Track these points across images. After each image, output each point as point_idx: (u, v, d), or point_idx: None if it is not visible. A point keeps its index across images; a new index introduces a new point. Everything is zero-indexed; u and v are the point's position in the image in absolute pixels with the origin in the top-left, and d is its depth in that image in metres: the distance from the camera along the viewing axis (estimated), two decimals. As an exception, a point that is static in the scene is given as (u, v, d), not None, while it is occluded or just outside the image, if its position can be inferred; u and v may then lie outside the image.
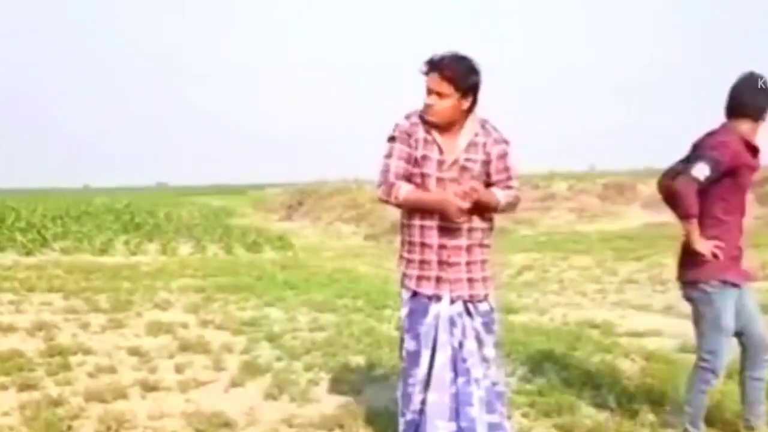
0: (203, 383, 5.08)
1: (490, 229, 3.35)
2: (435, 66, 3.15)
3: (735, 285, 3.72)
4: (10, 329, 6.80)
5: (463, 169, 3.22)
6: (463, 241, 3.24)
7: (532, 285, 10.85)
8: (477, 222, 3.25)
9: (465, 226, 3.22)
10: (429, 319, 3.25)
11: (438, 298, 3.26)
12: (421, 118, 3.24)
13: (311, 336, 6.66)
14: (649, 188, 25.71)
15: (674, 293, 9.10)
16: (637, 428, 3.94)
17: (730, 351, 3.83)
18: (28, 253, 15.47)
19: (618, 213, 23.75)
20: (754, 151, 3.71)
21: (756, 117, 3.67)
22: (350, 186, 32.59)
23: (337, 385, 5.02)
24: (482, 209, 3.23)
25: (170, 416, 4.32)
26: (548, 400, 4.43)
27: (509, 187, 3.28)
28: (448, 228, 3.21)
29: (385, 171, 3.26)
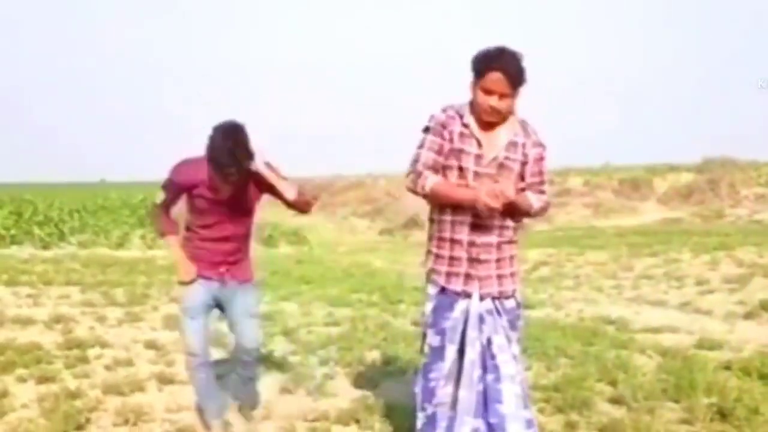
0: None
1: (521, 226, 3.34)
2: (499, 65, 3.04)
3: None
4: (28, 322, 6.86)
5: (502, 167, 3.17)
6: (493, 238, 3.20)
7: (548, 280, 10.83)
8: (508, 219, 3.22)
9: (497, 223, 3.18)
10: (456, 314, 3.22)
11: (467, 295, 3.22)
12: (459, 113, 3.19)
13: (326, 330, 6.68)
14: (666, 183, 25.59)
15: (690, 289, 9.09)
16: (654, 424, 3.92)
17: None
18: (45, 247, 15.60)
19: (634, 208, 23.63)
20: None
21: None
22: (365, 181, 32.60)
23: (352, 380, 5.03)
24: (515, 212, 3.20)
25: (187, 409, 4.34)
26: (564, 395, 4.42)
27: (542, 192, 3.25)
28: (479, 224, 3.17)
29: (415, 161, 3.21)
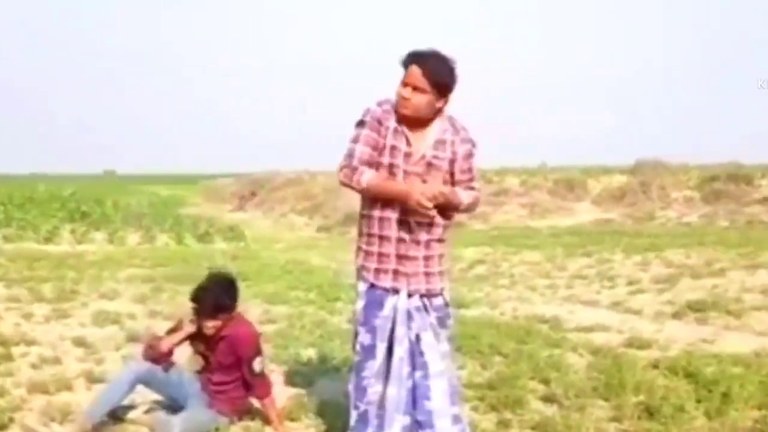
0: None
1: (450, 224, 3.36)
2: (419, 60, 3.12)
3: None
4: (-52, 318, 6.59)
5: (430, 165, 3.20)
6: (422, 236, 3.23)
7: (484, 279, 10.94)
8: (438, 218, 3.25)
9: (426, 220, 3.21)
10: (385, 312, 3.24)
11: (395, 291, 3.25)
12: (394, 107, 3.21)
13: (262, 328, 6.59)
14: (600, 185, 26.21)
15: (621, 289, 9.32)
16: (584, 422, 3.99)
17: None
18: (-32, 241, 15.00)
19: (568, 209, 24.10)
20: None
21: None
22: (303, 177, 32.43)
23: (287, 378, 4.99)
24: (445, 208, 3.23)
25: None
26: (497, 394, 4.47)
27: (471, 188, 3.31)
28: (407, 222, 3.20)
29: (350, 155, 3.20)
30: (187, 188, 52.94)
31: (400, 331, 3.23)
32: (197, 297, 4.03)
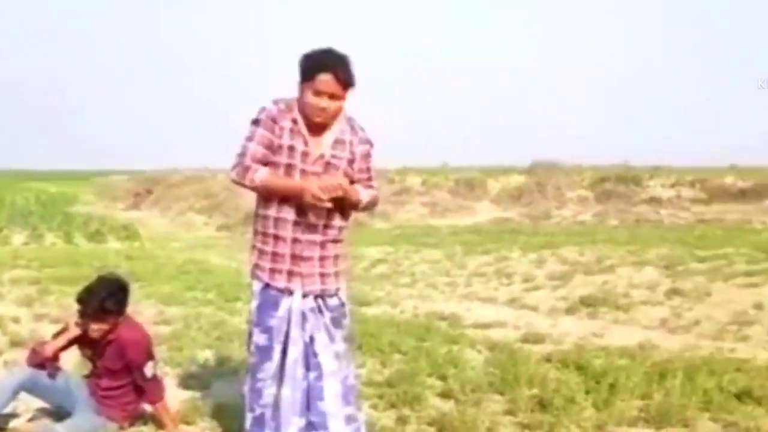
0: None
1: (346, 225, 3.33)
2: (329, 67, 3.06)
3: None
4: None
5: (329, 165, 3.18)
6: (317, 237, 3.20)
7: (385, 278, 11.01)
8: (334, 219, 3.22)
9: (321, 221, 3.18)
10: (280, 313, 3.19)
11: (290, 292, 3.20)
12: (289, 107, 3.16)
13: (156, 329, 6.38)
14: (499, 185, 26.92)
15: (518, 286, 9.57)
16: (479, 416, 4.06)
17: None
18: None
19: (469, 208, 24.63)
20: None
21: None
22: (203, 175, 31.75)
23: (182, 381, 4.84)
24: (345, 205, 3.20)
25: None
26: (397, 391, 4.48)
27: (370, 187, 3.30)
28: (303, 222, 3.17)
29: (243, 153, 3.15)
30: (77, 185, 50.82)
31: (295, 332, 3.19)
32: (82, 298, 3.85)
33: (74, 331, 3.91)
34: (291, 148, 3.14)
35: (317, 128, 3.17)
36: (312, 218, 3.15)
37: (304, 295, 3.21)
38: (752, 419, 3.94)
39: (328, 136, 3.19)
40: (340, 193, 3.10)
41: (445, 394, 4.54)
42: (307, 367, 3.21)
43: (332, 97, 3.09)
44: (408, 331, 6.43)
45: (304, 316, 3.20)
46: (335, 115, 3.16)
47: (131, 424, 4.02)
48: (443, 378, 4.84)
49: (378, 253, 13.62)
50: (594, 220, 20.84)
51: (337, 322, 3.29)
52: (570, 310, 7.94)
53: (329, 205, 3.11)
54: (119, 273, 4.09)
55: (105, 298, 3.81)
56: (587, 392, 4.44)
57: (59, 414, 3.98)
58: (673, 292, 8.25)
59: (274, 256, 3.20)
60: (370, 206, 3.36)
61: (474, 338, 6.21)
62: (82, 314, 3.85)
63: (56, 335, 4.01)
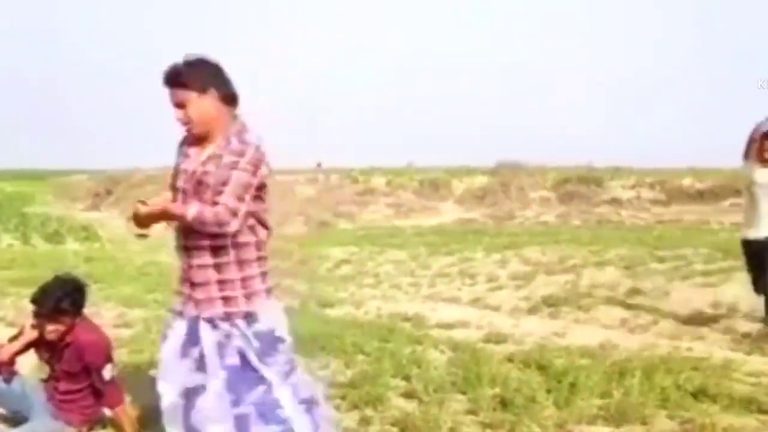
0: None
1: (254, 243, 3.05)
2: (166, 80, 2.98)
3: None
4: None
5: (199, 183, 2.98)
6: (208, 260, 3.00)
7: (349, 278, 11.00)
8: (220, 240, 2.97)
9: (206, 243, 2.97)
10: (192, 339, 3.04)
11: (195, 320, 3.03)
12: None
13: (116, 332, 6.29)
14: (463, 185, 27.04)
15: (482, 286, 9.63)
16: (442, 416, 4.08)
17: None
18: None
19: (433, 209, 24.70)
20: None
21: None
22: (165, 174, 31.34)
23: (143, 384, 4.76)
24: (168, 220, 3.05)
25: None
26: (360, 391, 4.48)
27: (216, 203, 2.91)
28: (187, 247, 3.03)
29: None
30: (35, 184, 49.86)
31: (212, 361, 2.98)
32: (37, 299, 3.77)
33: (30, 335, 3.84)
34: (180, 170, 3.10)
35: (199, 144, 3.06)
36: (193, 241, 2.99)
37: (211, 323, 3.01)
38: (707, 416, 4.02)
39: (205, 152, 3.03)
40: (143, 212, 2.99)
41: (408, 395, 4.55)
42: (241, 392, 3.00)
43: (180, 105, 2.98)
44: (371, 332, 6.43)
45: (220, 345, 3.00)
46: (203, 121, 3.00)
47: (90, 429, 3.97)
48: (407, 378, 4.85)
49: (342, 253, 13.60)
50: (557, 221, 21.07)
51: (271, 347, 3.06)
52: (532, 310, 8.01)
53: (145, 231, 3.02)
54: (77, 272, 4.01)
55: (60, 298, 3.74)
56: (548, 391, 4.49)
57: (15, 419, 3.91)
58: (633, 292, 8.38)
59: (181, 281, 3.11)
60: (199, 224, 2.91)
61: (437, 338, 6.23)
62: (37, 315, 3.78)
63: (12, 339, 3.93)
